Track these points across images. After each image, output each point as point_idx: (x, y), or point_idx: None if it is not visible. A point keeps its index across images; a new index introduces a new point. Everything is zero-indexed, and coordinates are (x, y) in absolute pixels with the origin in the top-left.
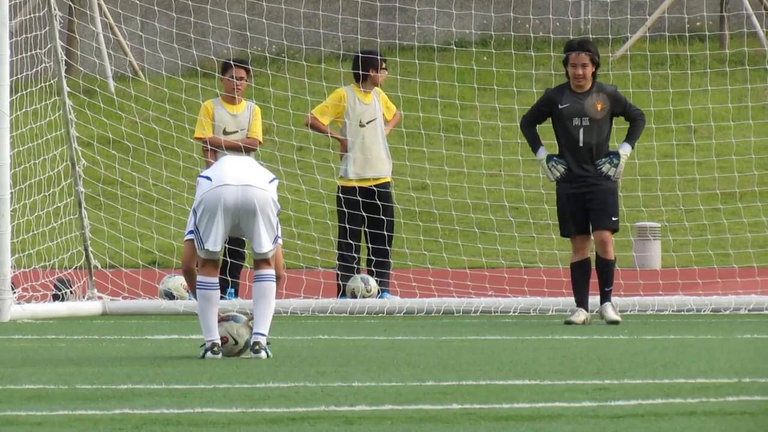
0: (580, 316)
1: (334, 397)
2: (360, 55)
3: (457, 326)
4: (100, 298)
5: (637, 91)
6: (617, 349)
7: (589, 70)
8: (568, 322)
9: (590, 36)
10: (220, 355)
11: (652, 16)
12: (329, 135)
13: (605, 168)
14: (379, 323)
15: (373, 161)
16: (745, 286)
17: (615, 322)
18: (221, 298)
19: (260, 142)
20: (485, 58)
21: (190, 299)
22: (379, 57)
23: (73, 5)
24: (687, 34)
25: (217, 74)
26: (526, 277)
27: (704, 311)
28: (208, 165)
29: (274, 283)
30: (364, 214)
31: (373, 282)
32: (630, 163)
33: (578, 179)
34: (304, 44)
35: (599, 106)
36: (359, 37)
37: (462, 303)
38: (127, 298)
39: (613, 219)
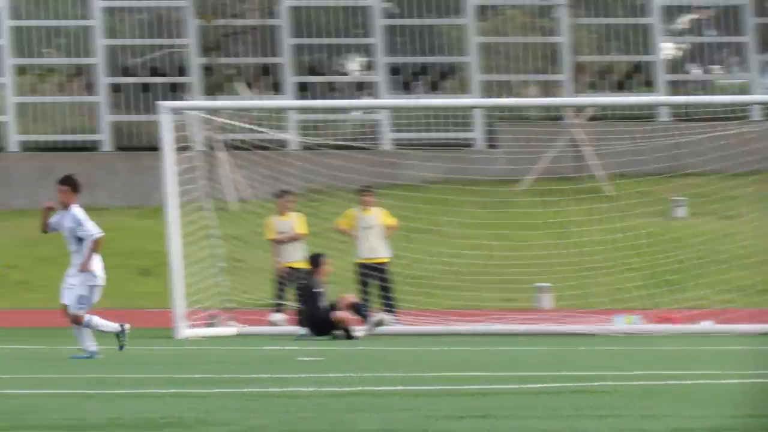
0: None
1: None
2: (360, 188)
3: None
4: (234, 325)
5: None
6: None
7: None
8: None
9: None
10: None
11: None
12: (345, 232)
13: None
14: (396, 339)
15: (374, 249)
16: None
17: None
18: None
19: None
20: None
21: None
22: (369, 189)
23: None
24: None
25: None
26: None
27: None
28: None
29: None
30: (368, 276)
31: (390, 316)
32: None
33: None
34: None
35: None
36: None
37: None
38: (251, 325)
39: None
